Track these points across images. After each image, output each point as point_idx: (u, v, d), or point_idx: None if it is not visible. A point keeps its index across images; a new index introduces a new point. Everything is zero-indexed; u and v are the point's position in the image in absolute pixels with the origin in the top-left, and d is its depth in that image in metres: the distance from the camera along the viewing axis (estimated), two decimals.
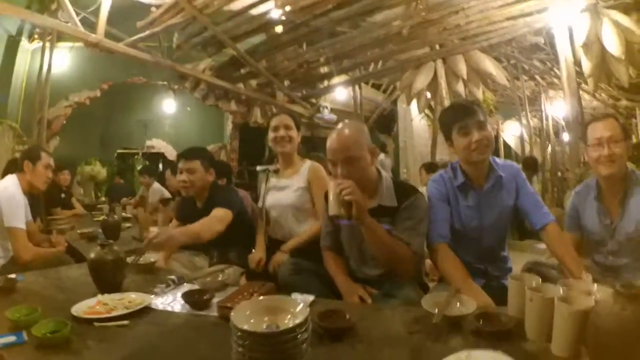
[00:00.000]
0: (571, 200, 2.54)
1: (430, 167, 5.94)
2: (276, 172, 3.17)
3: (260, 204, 3.16)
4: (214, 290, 1.83)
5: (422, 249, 2.17)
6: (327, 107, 9.04)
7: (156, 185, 6.52)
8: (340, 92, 8.09)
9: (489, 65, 6.04)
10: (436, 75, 6.38)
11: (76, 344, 1.40)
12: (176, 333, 1.56)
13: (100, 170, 8.99)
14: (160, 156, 10.21)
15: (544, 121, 8.87)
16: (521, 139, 9.18)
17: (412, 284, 2.15)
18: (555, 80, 7.79)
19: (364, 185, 2.06)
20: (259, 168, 3.35)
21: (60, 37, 7.32)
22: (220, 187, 3.21)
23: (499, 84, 6.42)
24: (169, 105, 9.80)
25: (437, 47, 6.18)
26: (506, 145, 12.24)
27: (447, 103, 6.13)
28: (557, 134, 9.52)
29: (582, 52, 4.77)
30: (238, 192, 3.34)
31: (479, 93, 6.39)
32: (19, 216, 3.06)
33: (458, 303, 1.59)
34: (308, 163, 3.09)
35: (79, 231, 4.32)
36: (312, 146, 12.57)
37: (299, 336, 1.17)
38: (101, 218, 5.06)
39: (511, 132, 10.82)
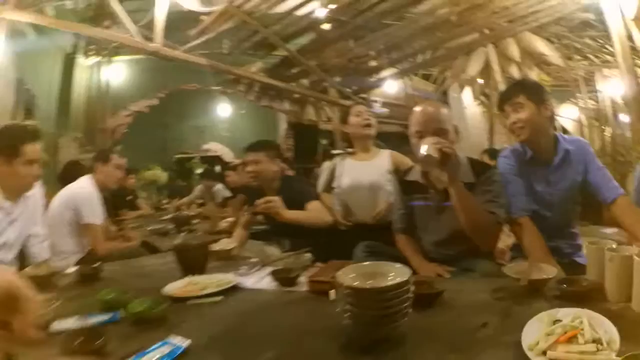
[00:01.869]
0: (637, 175, 2.50)
1: (493, 153, 5.88)
2: (352, 155, 3.35)
3: (335, 184, 3.32)
4: (298, 269, 1.91)
5: (503, 220, 2.17)
6: (377, 101, 9.01)
7: (218, 186, 6.73)
8: (390, 86, 8.09)
9: (542, 45, 5.92)
10: (488, 60, 6.30)
11: (172, 320, 1.49)
12: (269, 307, 1.66)
13: (160, 175, 9.28)
14: (217, 159, 10.47)
15: (601, 102, 8.54)
16: (579, 122, 8.88)
17: (488, 259, 2.18)
18: (609, 58, 7.48)
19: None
20: (334, 151, 3.66)
21: (116, 51, 7.70)
22: (292, 179, 3.46)
23: (553, 64, 6.29)
24: (223, 109, 10.07)
25: (487, 31, 6.10)
26: (564, 131, 11.88)
27: (502, 88, 6.04)
28: (615, 115, 9.15)
29: (634, 26, 4.56)
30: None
31: (534, 75, 6.27)
32: (96, 213, 3.34)
33: (539, 270, 1.61)
34: (386, 150, 3.31)
35: (149, 228, 4.54)
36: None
37: (404, 294, 1.22)
38: (167, 217, 5.39)
39: (567, 115, 10.50)
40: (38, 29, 5.17)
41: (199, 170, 9.64)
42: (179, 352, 1.19)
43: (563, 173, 2.27)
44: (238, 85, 7.30)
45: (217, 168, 9.89)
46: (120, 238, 3.85)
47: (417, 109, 2.19)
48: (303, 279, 1.81)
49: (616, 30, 4.58)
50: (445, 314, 1.41)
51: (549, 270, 1.59)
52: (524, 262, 1.77)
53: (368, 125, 3.26)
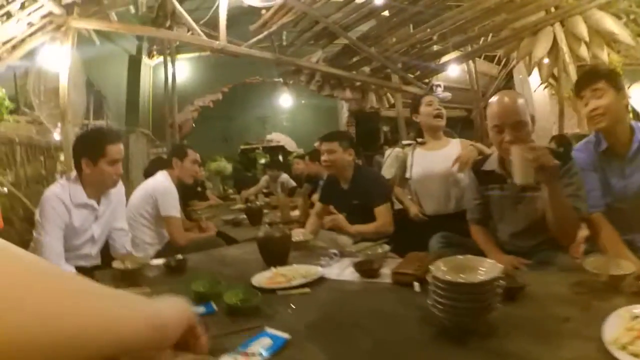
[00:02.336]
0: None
1: (562, 140, 5.71)
2: (422, 145, 3.38)
3: (407, 174, 3.36)
4: (380, 260, 1.94)
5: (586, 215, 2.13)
6: (440, 86, 8.88)
7: (284, 176, 6.87)
8: (452, 69, 7.94)
9: (611, 23, 5.65)
10: (556, 40, 6.08)
11: (266, 311, 1.54)
12: (357, 297, 1.71)
13: (226, 166, 9.55)
14: (280, 149, 10.63)
15: None
16: None
17: (566, 253, 2.14)
18: None
19: None
20: (404, 142, 3.67)
21: (179, 50, 7.97)
22: (366, 171, 3.45)
23: (623, 43, 6.00)
24: (285, 100, 10.22)
25: (553, 10, 5.90)
26: (635, 112, 11.29)
27: (571, 69, 5.84)
28: None
29: None
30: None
31: (604, 55, 6.00)
32: (175, 206, 3.49)
33: (618, 265, 1.58)
34: (457, 139, 3.34)
35: (222, 218, 4.71)
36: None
37: (495, 289, 1.26)
38: (237, 207, 5.63)
39: (638, 97, 9.99)
40: (103, 34, 5.46)
41: (262, 161, 9.90)
42: (281, 343, 1.24)
43: (639, 165, 2.20)
44: (300, 75, 7.39)
45: (280, 158, 10.16)
46: (196, 229, 4.00)
47: (494, 100, 2.14)
48: (385, 270, 1.84)
49: None
50: (528, 306, 1.43)
51: (627, 266, 1.56)
52: (601, 257, 1.72)
53: (439, 116, 3.29)
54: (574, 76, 5.67)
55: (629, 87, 10.11)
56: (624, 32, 5.75)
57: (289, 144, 10.73)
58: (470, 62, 8.73)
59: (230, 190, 8.86)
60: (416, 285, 1.61)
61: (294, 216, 4.27)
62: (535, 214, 2.10)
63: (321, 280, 1.85)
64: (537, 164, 1.80)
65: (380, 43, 6.58)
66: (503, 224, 2.31)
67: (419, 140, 3.46)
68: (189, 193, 6.50)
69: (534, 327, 1.28)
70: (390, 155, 7.81)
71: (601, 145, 2.25)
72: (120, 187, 2.79)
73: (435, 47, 6.90)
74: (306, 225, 3.33)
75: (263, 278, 1.86)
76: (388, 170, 8.32)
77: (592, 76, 2.26)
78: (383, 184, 3.28)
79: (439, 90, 8.84)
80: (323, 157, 3.25)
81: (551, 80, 7.86)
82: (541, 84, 7.30)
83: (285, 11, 5.34)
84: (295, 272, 1.90)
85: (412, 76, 7.52)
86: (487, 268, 1.34)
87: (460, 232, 2.49)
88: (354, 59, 6.89)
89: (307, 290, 1.74)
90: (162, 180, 3.58)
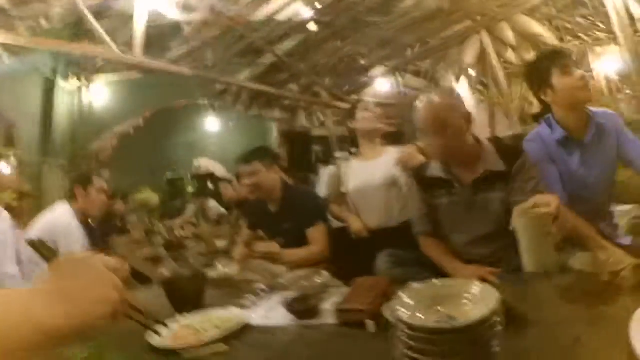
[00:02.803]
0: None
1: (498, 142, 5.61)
2: (357, 155, 3.08)
3: (344, 189, 3.03)
4: (318, 294, 1.56)
5: None
6: (369, 102, 8.80)
7: (211, 203, 6.46)
8: (381, 85, 7.77)
9: (536, 26, 5.65)
10: (483, 47, 6.01)
11: None
12: (290, 353, 1.27)
13: (151, 197, 8.99)
14: (208, 176, 10.21)
15: (596, 80, 8.28)
16: None
17: None
18: (601, 35, 7.34)
19: (464, 155, 1.93)
20: (338, 154, 3.34)
21: (97, 70, 7.41)
22: (297, 190, 3.08)
23: (549, 45, 6.00)
24: (211, 124, 9.77)
25: (479, 18, 5.83)
26: None
27: (500, 74, 5.77)
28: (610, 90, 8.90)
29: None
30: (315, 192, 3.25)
31: (531, 58, 5.99)
32: (76, 244, 2.94)
33: (609, 259, 1.36)
34: (394, 147, 3.00)
35: (140, 254, 4.17)
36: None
37: (494, 327, 0.86)
38: (160, 241, 4.96)
39: None
40: (13, 52, 4.94)
41: (191, 189, 9.35)
42: None
43: (597, 150, 2.10)
44: (226, 95, 7.00)
45: (210, 185, 9.72)
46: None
47: (420, 103, 1.95)
48: (327, 306, 1.46)
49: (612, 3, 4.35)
50: (523, 333, 1.07)
51: (620, 258, 1.36)
52: (585, 253, 1.49)
53: (374, 120, 3.04)
54: (502, 81, 5.59)
55: None
56: (550, 34, 5.75)
57: (218, 169, 10.28)
58: (399, 77, 8.64)
59: (157, 223, 8.32)
60: (370, 324, 1.24)
61: (221, 247, 3.85)
62: (492, 217, 1.91)
63: (244, 330, 1.41)
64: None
65: (308, 58, 6.31)
66: (456, 232, 2.06)
67: (353, 151, 3.18)
68: (109, 230, 6.01)
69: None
70: (325, 172, 7.53)
71: (556, 133, 2.11)
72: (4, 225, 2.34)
73: (363, 62, 6.71)
74: (233, 257, 2.89)
75: (165, 334, 1.32)
76: (323, 188, 7.98)
77: (558, 56, 2.10)
78: (316, 202, 2.94)
79: (371, 106, 8.78)
80: (245, 182, 2.85)
81: (480, 87, 7.88)
82: (471, 90, 7.22)
83: (209, 26, 4.99)
84: (207, 322, 1.45)
85: (341, 91, 7.28)
86: (473, 294, 0.97)
87: (410, 247, 2.19)
88: (282, 77, 6.57)
89: (222, 348, 1.28)
90: (62, 215, 3.03)
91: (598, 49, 7.83)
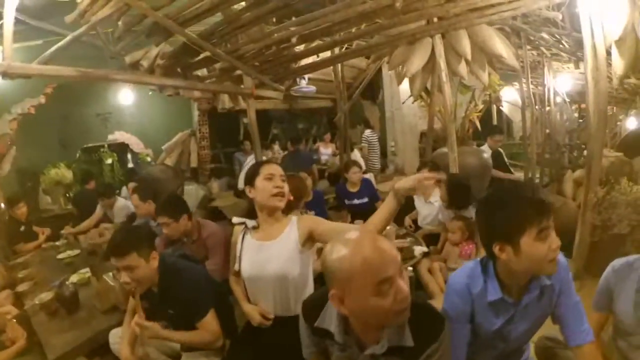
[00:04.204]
0: (606, 276, 2.25)
1: (434, 169, 5.02)
2: (255, 228, 2.66)
3: (236, 267, 2.65)
4: None
5: None
6: (304, 78, 8.46)
7: (120, 202, 5.78)
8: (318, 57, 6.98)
9: (498, 45, 4.94)
10: (434, 53, 5.23)
11: None
12: None
13: (65, 174, 8.07)
14: (127, 147, 9.20)
15: (546, 92, 7.92)
16: (522, 110, 8.16)
17: None
18: (562, 54, 7.09)
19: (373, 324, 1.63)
20: (235, 220, 2.78)
21: None
22: (177, 273, 2.69)
23: (508, 65, 5.33)
24: (125, 97, 8.75)
25: (435, 20, 5.03)
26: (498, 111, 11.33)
27: (447, 87, 5.05)
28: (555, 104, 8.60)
29: (615, 47, 3.97)
30: (200, 269, 2.94)
31: (485, 76, 5.31)
32: None
33: None
34: (293, 217, 2.65)
35: (37, 301, 3.60)
36: (294, 133, 11.68)
37: None
38: (65, 256, 4.72)
39: (506, 97, 9.85)
40: None
41: (109, 161, 8.69)
42: None
43: (531, 311, 1.92)
44: (138, 69, 5.95)
45: (129, 158, 9.09)
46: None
47: (358, 255, 1.51)
48: None
49: (589, 44, 3.92)
50: None
51: None
52: None
53: (280, 195, 2.55)
54: (448, 94, 4.92)
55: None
56: (511, 53, 5.06)
57: (136, 143, 9.32)
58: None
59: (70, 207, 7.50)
60: None
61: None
62: None
63: None
64: None
65: (231, 41, 5.34)
66: None
67: (250, 223, 2.67)
68: (13, 236, 5.70)
69: None
70: (249, 163, 6.80)
71: (491, 294, 1.86)
72: None
73: (298, 48, 5.80)
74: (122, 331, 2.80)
75: None
76: (241, 181, 7.15)
77: (542, 213, 1.70)
78: (200, 292, 2.63)
79: (303, 83, 8.46)
80: (124, 279, 2.50)
81: (423, 95, 7.26)
82: (413, 100, 6.53)
83: (105, 1, 4.02)
84: None
85: (269, 77, 6.35)
86: None
87: None
88: (199, 58, 5.57)
89: None
90: None
91: (555, 64, 7.51)
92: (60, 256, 4.82)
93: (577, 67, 7.65)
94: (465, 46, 4.99)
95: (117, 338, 2.87)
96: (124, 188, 6.85)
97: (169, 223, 3.51)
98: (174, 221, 3.54)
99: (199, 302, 2.60)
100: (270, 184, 2.53)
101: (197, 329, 2.61)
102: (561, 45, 6.62)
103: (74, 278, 4.01)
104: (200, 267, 3.07)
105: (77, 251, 4.87)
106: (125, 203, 5.71)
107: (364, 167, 8.89)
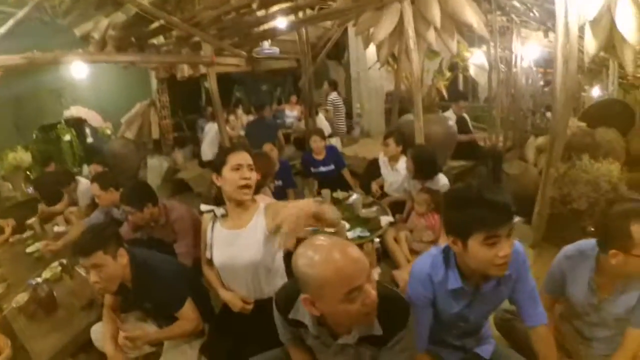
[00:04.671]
0: (558, 263, 2.36)
1: (400, 137, 5.02)
2: (224, 217, 2.61)
3: (208, 254, 2.63)
4: None
5: None
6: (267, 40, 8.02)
7: (82, 184, 5.37)
8: (281, 21, 6.74)
9: (468, 13, 4.75)
10: (402, 19, 5.01)
11: None
12: None
13: (23, 157, 7.65)
14: (84, 122, 8.76)
15: (513, 58, 7.85)
16: (488, 74, 8.07)
17: None
18: (532, 22, 7.05)
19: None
20: (203, 208, 2.69)
21: None
22: (150, 268, 2.66)
23: (477, 32, 5.17)
24: (79, 70, 8.28)
25: None
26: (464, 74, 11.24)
27: (414, 55, 4.87)
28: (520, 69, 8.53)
29: (590, 28, 3.88)
30: (172, 262, 2.92)
31: (454, 45, 5.13)
32: None
33: None
34: (260, 204, 2.59)
35: (14, 304, 3.36)
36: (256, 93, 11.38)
37: None
38: (34, 249, 4.43)
39: (473, 60, 9.75)
40: None
41: (67, 137, 8.24)
42: None
43: (490, 297, 2.05)
44: (87, 44, 5.59)
45: (88, 133, 8.70)
46: None
47: (329, 265, 1.55)
48: None
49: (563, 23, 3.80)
50: None
51: None
52: None
53: (247, 187, 2.49)
54: (416, 62, 4.76)
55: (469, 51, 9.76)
56: (481, 22, 4.89)
57: (94, 117, 8.89)
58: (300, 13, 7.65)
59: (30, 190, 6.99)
60: None
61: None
62: None
63: None
64: None
65: (186, 8, 5.03)
66: None
67: (219, 212, 2.61)
68: None
69: None
70: (211, 130, 6.52)
71: (451, 282, 1.98)
72: None
73: (259, 13, 5.53)
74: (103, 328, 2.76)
75: None
76: (209, 149, 6.97)
77: (496, 221, 1.75)
78: (175, 287, 2.64)
79: (266, 45, 8.18)
80: (92, 279, 2.47)
81: (390, 60, 7.07)
82: (380, 66, 6.33)
83: None
84: None
85: (228, 42, 6.05)
86: None
87: None
88: (153, 26, 5.25)
89: None
90: None
91: (524, 31, 7.41)
92: (29, 250, 4.49)
93: (546, 36, 7.59)
94: (435, 14, 4.78)
95: (99, 334, 2.82)
96: (85, 167, 6.52)
97: (133, 212, 3.43)
98: (137, 211, 3.41)
99: (175, 296, 2.61)
100: (237, 174, 2.45)
101: (176, 318, 2.63)
102: (532, 14, 6.54)
103: (46, 274, 3.78)
104: (172, 259, 3.05)
105: (45, 242, 4.58)
106: (87, 184, 5.42)
107: (329, 131, 8.74)
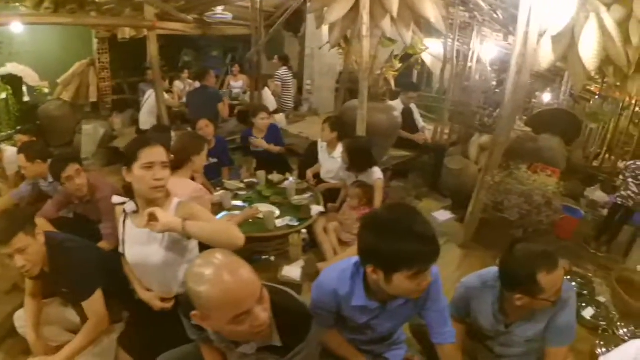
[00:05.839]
0: (460, 293, 2.41)
1: (336, 124, 5.03)
2: (135, 213, 2.45)
3: (121, 250, 2.53)
4: None
5: None
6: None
7: (9, 151, 5.05)
8: None
9: (428, 6, 4.59)
10: (358, 4, 4.80)
11: None
12: None
13: None
14: (21, 80, 8.13)
15: (470, 54, 7.89)
16: (442, 65, 8.02)
17: None
18: (494, 24, 7.00)
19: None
20: (115, 200, 2.56)
21: None
22: (63, 256, 2.57)
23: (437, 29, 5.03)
24: (16, 25, 7.65)
25: None
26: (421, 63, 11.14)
27: (366, 42, 4.70)
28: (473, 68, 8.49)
29: (550, 41, 3.79)
30: (91, 247, 2.88)
31: (408, 35, 4.96)
32: None
33: None
34: (174, 200, 2.41)
35: None
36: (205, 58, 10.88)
37: None
38: None
39: (430, 50, 9.65)
40: None
41: (3, 95, 7.50)
42: None
43: (397, 313, 2.06)
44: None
45: (25, 91, 8.05)
46: None
47: (217, 289, 1.45)
48: None
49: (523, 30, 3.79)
50: None
51: None
52: None
53: (159, 187, 2.28)
54: (366, 49, 4.60)
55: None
56: (439, 16, 4.75)
57: (30, 76, 8.27)
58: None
59: None
60: None
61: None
62: None
63: None
64: None
65: None
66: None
67: (129, 208, 2.44)
68: None
69: None
70: (150, 98, 6.22)
71: (356, 300, 1.99)
72: None
73: None
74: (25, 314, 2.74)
75: None
76: (147, 117, 6.59)
77: (424, 257, 1.74)
78: (87, 273, 2.55)
79: (219, 9, 7.89)
80: (19, 264, 2.39)
81: (342, 43, 6.89)
82: (331, 48, 6.09)
83: None
84: None
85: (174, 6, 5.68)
86: None
87: None
88: None
89: None
90: None
91: (485, 30, 7.35)
92: None
93: (505, 39, 7.55)
94: (393, 2, 4.59)
95: (22, 321, 2.78)
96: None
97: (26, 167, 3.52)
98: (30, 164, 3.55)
99: (84, 285, 2.53)
100: (149, 174, 2.24)
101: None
102: (495, 15, 6.45)
103: None
104: (92, 245, 2.95)
105: None
106: (14, 152, 5.02)
107: (274, 107, 8.47)
